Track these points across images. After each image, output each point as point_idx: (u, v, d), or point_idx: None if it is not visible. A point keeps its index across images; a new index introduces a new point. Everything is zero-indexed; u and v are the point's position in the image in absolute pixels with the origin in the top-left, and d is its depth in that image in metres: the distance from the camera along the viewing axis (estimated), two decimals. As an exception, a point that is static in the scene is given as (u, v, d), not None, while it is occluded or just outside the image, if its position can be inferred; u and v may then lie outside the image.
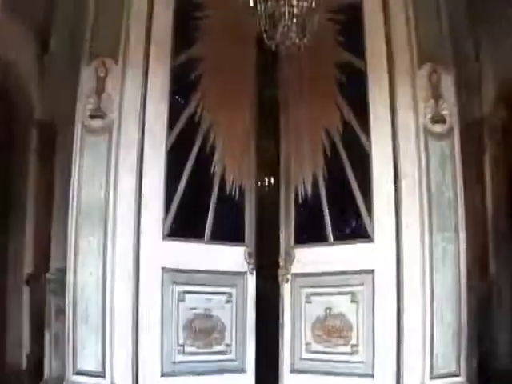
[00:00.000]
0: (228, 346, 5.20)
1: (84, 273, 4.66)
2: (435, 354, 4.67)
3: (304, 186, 5.44)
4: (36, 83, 7.23)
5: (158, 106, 4.97)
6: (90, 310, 4.62)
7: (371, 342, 4.89)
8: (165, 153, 4.97)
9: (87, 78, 4.88)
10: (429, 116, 4.91)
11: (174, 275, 4.94)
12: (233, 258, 5.26)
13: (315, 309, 5.23)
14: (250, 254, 5.30)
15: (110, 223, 4.66)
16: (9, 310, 7.11)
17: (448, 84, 5.02)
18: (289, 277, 5.36)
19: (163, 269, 4.88)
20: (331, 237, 5.28)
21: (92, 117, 4.78)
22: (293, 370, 5.29)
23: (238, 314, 5.27)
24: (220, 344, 5.15)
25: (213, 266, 5.14)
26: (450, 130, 4.96)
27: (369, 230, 5.03)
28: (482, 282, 6.42)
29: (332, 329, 5.12)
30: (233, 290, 5.26)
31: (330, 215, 5.31)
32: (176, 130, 5.09)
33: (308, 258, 5.33)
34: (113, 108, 4.79)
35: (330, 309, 5.14)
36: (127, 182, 4.76)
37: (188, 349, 4.99)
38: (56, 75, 6.71)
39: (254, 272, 5.34)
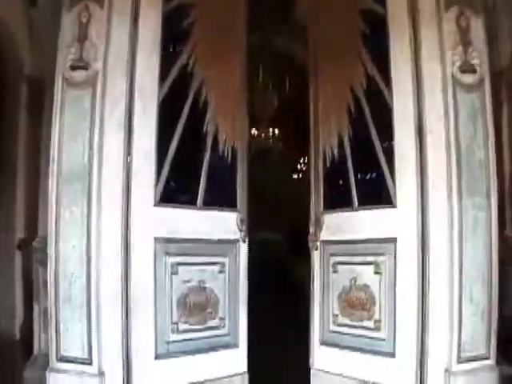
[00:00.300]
0: (222, 319, 4.56)
1: (66, 246, 3.89)
2: (463, 334, 3.97)
3: (331, 148, 4.79)
4: (25, 37, 6.74)
5: (148, 55, 4.15)
6: (73, 288, 3.87)
7: (393, 319, 4.24)
8: (156, 108, 4.18)
9: (69, 24, 4.04)
10: (457, 65, 4.10)
11: (167, 246, 4.21)
12: (225, 224, 4.60)
13: (341, 279, 4.67)
14: (242, 221, 4.65)
15: (95, 189, 3.87)
16: (1, 276, 6.54)
17: (478, 29, 4.23)
18: (318, 244, 4.84)
19: (156, 239, 4.14)
20: (356, 202, 4.62)
21: (73, 68, 3.95)
22: (322, 343, 4.80)
23: (230, 285, 4.62)
24: (214, 318, 4.51)
25: (205, 233, 4.46)
26: (481, 80, 4.17)
27: (391, 193, 4.32)
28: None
29: (356, 301, 4.54)
30: (225, 260, 4.60)
31: (354, 178, 4.66)
32: (168, 83, 4.28)
33: (335, 224, 4.76)
34: (97, 57, 3.95)
35: (355, 279, 4.56)
36: (114, 142, 3.95)
37: (182, 326, 4.31)
38: (44, 29, 5.99)
39: (247, 239, 4.68)
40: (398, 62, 4.24)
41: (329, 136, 4.81)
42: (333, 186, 4.92)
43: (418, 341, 4.03)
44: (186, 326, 4.31)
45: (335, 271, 4.70)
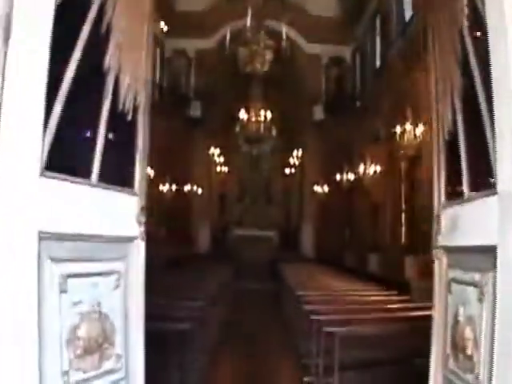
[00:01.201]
0: (119, 357, 2.80)
1: None
2: None
3: (448, 123, 3.18)
4: None
5: None
6: None
7: (489, 377, 2.44)
8: (51, 14, 2.27)
9: None
10: None
11: (55, 246, 2.33)
12: (123, 213, 2.88)
13: (455, 303, 2.98)
14: (142, 209, 2.95)
15: None
16: None
17: None
18: (437, 251, 3.23)
19: (40, 234, 2.23)
20: (466, 190, 2.93)
21: None
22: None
23: (126, 305, 2.84)
24: (110, 357, 2.73)
25: (100, 226, 2.66)
26: None
27: (493, 171, 2.54)
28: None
29: (461, 341, 2.80)
30: (122, 267, 2.82)
31: (466, 157, 2.94)
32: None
33: (451, 223, 3.07)
34: None
35: (464, 306, 2.83)
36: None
37: (74, 376, 2.44)
38: None
39: (145, 238, 2.97)
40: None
41: (445, 108, 3.21)
42: (451, 170, 3.25)
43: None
44: (80, 375, 2.49)
45: (450, 291, 3.09)
